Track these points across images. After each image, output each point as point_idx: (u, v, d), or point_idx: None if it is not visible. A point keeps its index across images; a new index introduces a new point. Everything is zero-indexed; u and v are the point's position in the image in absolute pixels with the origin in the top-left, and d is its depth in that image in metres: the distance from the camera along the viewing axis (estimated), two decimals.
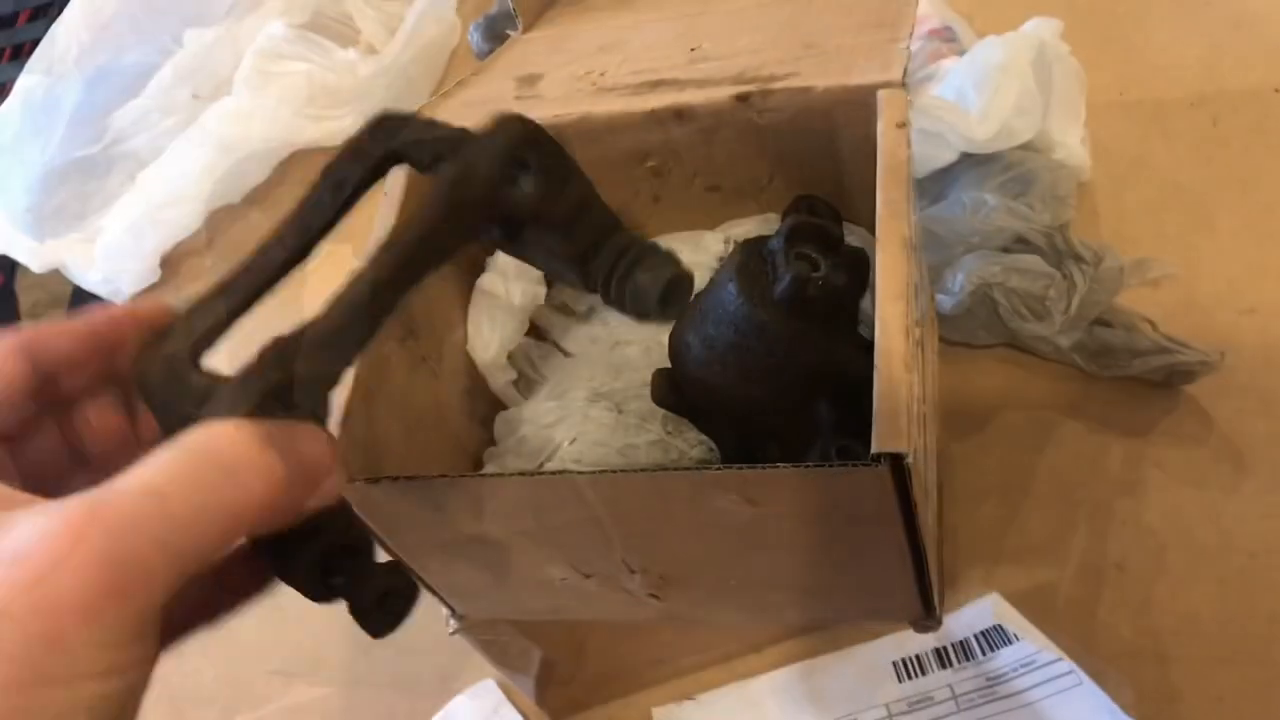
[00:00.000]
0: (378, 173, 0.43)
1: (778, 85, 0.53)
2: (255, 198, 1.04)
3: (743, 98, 0.54)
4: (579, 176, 0.45)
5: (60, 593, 0.25)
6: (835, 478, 0.41)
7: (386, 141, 0.43)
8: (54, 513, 0.26)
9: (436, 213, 0.39)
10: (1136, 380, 0.66)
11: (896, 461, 0.39)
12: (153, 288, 1.00)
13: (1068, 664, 0.57)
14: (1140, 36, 0.85)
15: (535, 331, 0.65)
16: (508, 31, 0.95)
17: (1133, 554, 0.61)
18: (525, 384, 0.63)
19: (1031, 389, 0.69)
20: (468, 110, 0.59)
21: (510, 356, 0.62)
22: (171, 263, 1.01)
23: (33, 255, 0.99)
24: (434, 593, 0.56)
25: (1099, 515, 0.63)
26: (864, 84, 0.51)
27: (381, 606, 0.41)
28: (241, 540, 0.32)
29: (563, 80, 0.60)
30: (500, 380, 0.62)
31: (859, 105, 0.51)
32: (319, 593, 0.38)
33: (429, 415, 0.57)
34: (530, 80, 0.61)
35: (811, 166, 0.57)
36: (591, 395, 0.59)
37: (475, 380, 0.62)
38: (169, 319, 0.38)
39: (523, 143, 0.41)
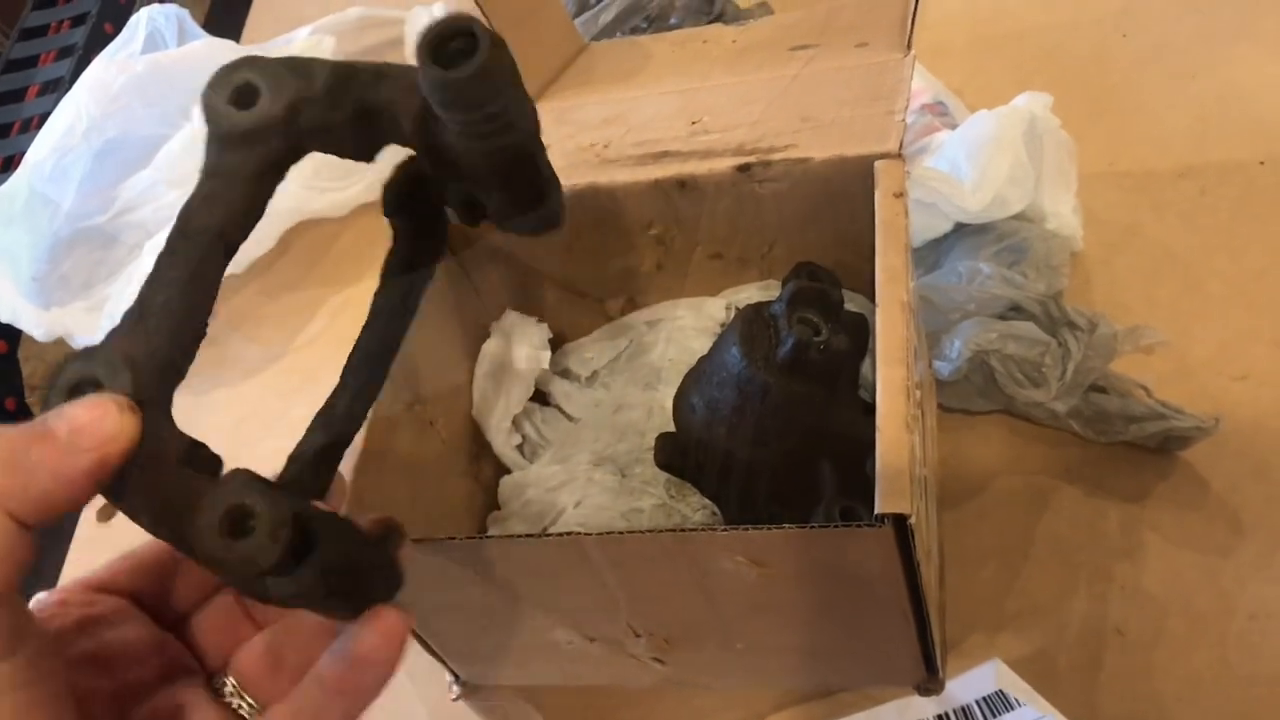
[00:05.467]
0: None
1: (777, 156, 0.55)
2: (258, 268, 1.05)
3: (744, 168, 0.56)
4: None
5: None
6: (839, 538, 0.42)
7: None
8: None
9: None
10: (1132, 446, 0.67)
11: (899, 522, 0.40)
12: None
13: None
14: (1129, 110, 0.87)
15: (539, 396, 0.65)
16: None
17: (1132, 618, 0.61)
18: (529, 448, 0.63)
19: (1029, 455, 0.69)
20: None
21: (514, 421, 0.63)
22: None
23: (37, 323, 1.00)
24: (438, 658, 0.56)
25: (1098, 580, 0.63)
26: (862, 154, 0.52)
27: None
28: None
29: (569, 151, 0.61)
30: (505, 445, 0.62)
31: (857, 175, 0.53)
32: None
33: (435, 479, 0.58)
34: None
35: (811, 235, 0.58)
36: (595, 459, 0.59)
37: (480, 445, 0.63)
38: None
39: None
